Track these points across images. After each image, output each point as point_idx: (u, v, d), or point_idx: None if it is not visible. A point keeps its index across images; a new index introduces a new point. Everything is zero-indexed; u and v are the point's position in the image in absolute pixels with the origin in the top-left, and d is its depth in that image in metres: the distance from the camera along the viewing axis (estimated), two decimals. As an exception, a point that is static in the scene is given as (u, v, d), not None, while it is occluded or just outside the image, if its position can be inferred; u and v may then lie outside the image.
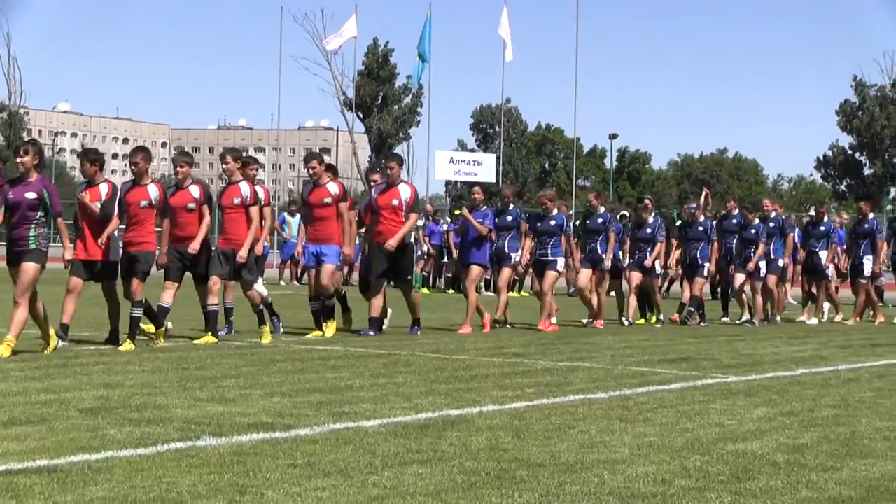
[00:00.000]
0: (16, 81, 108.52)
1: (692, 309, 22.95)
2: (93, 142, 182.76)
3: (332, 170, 18.49)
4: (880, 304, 27.39)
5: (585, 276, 21.73)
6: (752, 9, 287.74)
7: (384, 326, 18.75)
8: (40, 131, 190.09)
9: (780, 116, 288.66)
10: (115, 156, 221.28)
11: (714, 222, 23.53)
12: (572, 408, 10.65)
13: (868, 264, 24.63)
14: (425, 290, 31.71)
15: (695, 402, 11.28)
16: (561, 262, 20.74)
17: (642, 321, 22.80)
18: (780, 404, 11.23)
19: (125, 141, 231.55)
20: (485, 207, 20.40)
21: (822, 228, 25.12)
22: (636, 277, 22.42)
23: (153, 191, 15.68)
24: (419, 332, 18.54)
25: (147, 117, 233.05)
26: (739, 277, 23.36)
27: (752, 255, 23.25)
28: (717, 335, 20.11)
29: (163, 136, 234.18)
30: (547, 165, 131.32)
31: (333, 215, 17.84)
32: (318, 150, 25.41)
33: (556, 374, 13.38)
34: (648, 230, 22.43)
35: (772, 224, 23.92)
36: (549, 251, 20.55)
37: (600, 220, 21.70)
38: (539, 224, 20.80)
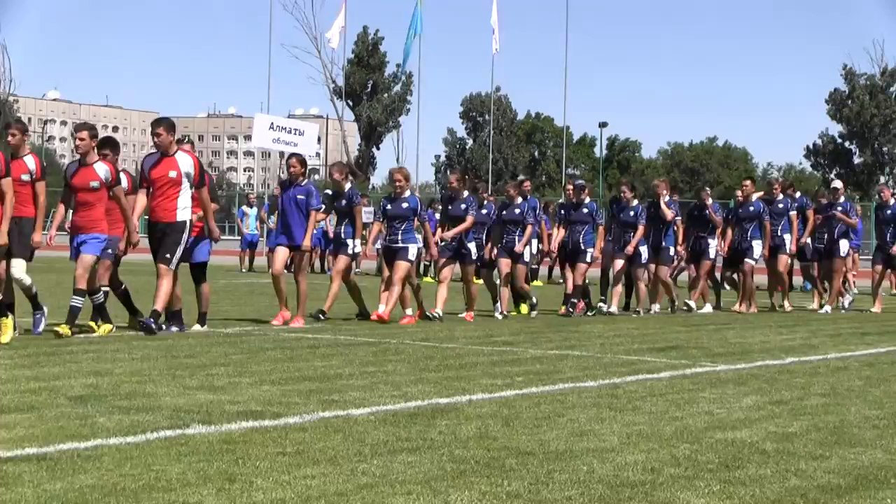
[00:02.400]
0: (5, 69, 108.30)
1: (574, 300, 21.75)
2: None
3: (111, 145, 16.01)
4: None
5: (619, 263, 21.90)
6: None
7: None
8: (30, 119, 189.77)
9: (769, 105, 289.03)
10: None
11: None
12: (562, 396, 10.66)
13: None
14: (428, 279, 31.39)
15: (684, 390, 11.29)
16: (414, 249, 19.07)
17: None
18: (770, 393, 11.24)
19: (114, 129, 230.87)
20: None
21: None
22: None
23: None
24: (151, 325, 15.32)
25: (136, 105, 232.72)
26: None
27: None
28: (707, 324, 20.12)
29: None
30: (536, 154, 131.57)
31: (101, 200, 15.09)
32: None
33: (545, 363, 13.39)
34: (631, 213, 21.91)
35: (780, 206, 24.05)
36: (399, 237, 18.92)
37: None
38: (389, 207, 19.06)
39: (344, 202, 19.00)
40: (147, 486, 6.64)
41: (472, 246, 20.01)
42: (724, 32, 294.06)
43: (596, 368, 12.96)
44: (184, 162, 15.43)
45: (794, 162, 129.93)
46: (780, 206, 24.19)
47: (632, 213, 21.88)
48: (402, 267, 18.64)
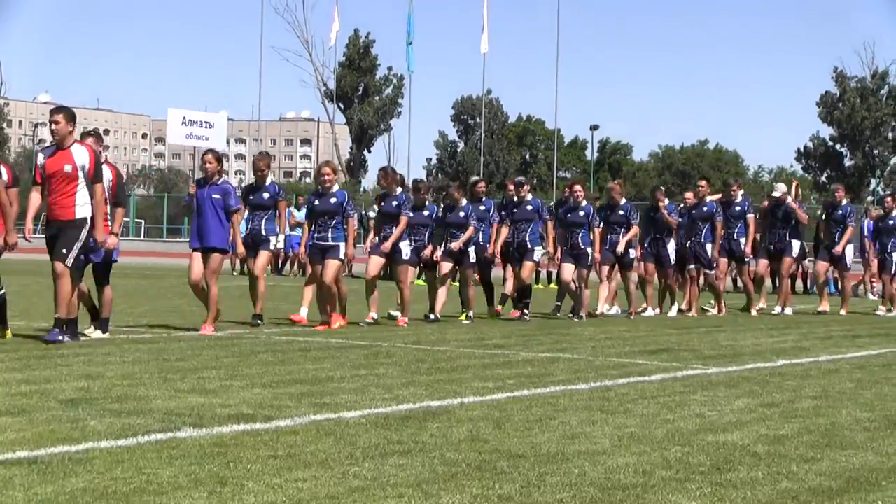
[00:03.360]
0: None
1: (528, 300, 21.25)
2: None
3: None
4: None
5: (568, 270, 21.25)
6: (734, 0, 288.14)
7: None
8: (20, 122, 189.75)
9: (760, 108, 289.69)
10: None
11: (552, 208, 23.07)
12: (553, 399, 10.66)
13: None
14: (419, 282, 31.09)
15: (675, 393, 11.30)
16: (342, 247, 17.72)
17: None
18: (761, 395, 11.25)
19: (105, 132, 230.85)
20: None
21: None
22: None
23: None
24: (63, 339, 14.45)
25: (127, 108, 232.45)
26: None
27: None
28: (698, 326, 20.14)
29: (143, 128, 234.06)
30: (528, 157, 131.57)
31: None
32: (299, 142, 24.26)
33: (536, 366, 13.39)
34: (581, 213, 21.20)
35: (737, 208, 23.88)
36: (328, 235, 17.79)
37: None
38: (317, 202, 17.96)
39: (266, 196, 18.43)
40: (138, 489, 6.64)
41: (404, 245, 19.16)
42: (716, 35, 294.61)
43: (587, 371, 12.96)
44: (79, 155, 14.62)
45: (785, 164, 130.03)
46: (738, 208, 23.91)
47: (581, 213, 21.14)
48: (332, 266, 17.67)
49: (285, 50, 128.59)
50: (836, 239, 24.46)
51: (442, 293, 20.20)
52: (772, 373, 13.27)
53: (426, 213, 19.76)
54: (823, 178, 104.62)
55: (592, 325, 19.87)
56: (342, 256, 17.84)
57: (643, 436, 8.80)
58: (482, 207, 21.08)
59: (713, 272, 23.44)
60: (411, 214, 19.21)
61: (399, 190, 19.44)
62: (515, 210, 21.32)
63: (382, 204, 19.51)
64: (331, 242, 17.74)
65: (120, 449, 7.73)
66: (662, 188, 24.39)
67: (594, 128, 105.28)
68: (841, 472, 7.66)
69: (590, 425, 9.22)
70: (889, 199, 25.25)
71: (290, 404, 9.87)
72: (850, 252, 24.98)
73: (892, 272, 24.81)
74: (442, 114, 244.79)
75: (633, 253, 22.44)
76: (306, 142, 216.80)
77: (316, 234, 17.87)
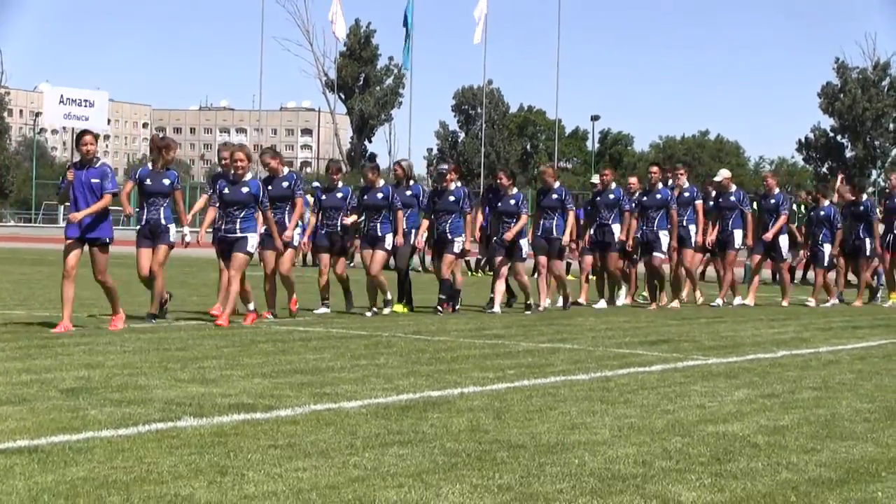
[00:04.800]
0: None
1: (443, 296, 19.78)
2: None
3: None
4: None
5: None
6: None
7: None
8: (21, 112, 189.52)
9: (761, 99, 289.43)
10: (95, 136, 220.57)
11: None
12: (553, 389, 10.66)
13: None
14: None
15: (675, 383, 11.30)
16: (254, 239, 16.47)
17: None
18: (761, 386, 11.25)
19: (106, 122, 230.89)
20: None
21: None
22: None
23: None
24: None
25: (128, 98, 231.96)
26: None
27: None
28: (698, 317, 20.12)
29: (144, 117, 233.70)
30: (529, 147, 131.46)
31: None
32: (300, 132, 23.32)
33: (537, 356, 13.39)
34: (511, 202, 20.26)
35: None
36: (237, 226, 16.45)
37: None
38: (226, 191, 16.58)
39: (166, 182, 16.70)
40: (138, 478, 6.64)
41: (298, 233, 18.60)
42: (717, 26, 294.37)
43: (587, 362, 12.97)
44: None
45: (786, 156, 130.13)
46: (686, 194, 23.04)
47: (511, 201, 20.22)
48: (239, 260, 16.41)
49: (286, 40, 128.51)
50: (770, 228, 23.80)
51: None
52: (772, 363, 13.27)
53: (339, 195, 19.06)
54: (824, 170, 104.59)
55: (593, 316, 19.86)
56: (250, 249, 16.52)
57: (643, 426, 8.81)
58: (409, 192, 20.14)
59: (662, 257, 22.40)
60: (401, 206, 19.13)
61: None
62: (437, 200, 20.08)
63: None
64: (239, 234, 16.43)
65: (120, 438, 7.73)
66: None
67: (595, 118, 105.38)
68: (841, 463, 7.66)
69: (590, 415, 9.22)
70: (805, 193, 24.96)
71: (290, 394, 9.88)
72: (784, 242, 24.20)
73: (825, 264, 24.57)
74: (443, 104, 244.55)
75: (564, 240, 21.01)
76: (307, 132, 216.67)
77: (224, 225, 16.53)
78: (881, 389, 11.32)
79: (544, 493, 6.62)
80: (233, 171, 16.68)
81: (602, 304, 22.26)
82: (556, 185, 21.05)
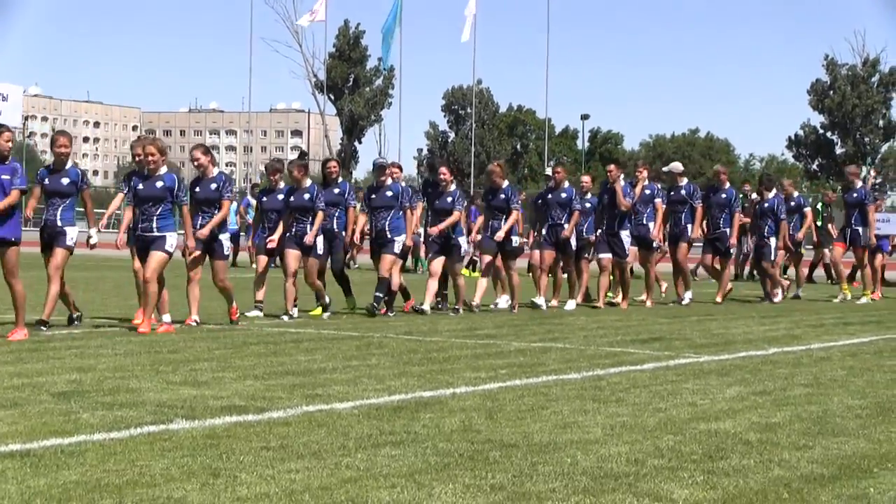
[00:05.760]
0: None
1: (379, 294, 19.09)
2: (63, 125, 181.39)
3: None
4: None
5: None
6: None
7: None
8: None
9: (751, 96, 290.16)
10: (85, 139, 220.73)
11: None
12: (545, 388, 10.67)
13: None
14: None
15: (667, 381, 11.31)
16: (172, 238, 15.62)
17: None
18: (753, 383, 11.26)
19: (96, 124, 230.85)
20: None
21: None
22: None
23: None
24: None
25: (118, 100, 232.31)
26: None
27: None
28: (690, 315, 20.14)
29: (133, 120, 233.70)
30: (519, 147, 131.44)
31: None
32: (289, 133, 23.00)
33: (528, 355, 13.40)
34: (448, 199, 19.92)
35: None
36: (153, 225, 15.51)
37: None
38: (140, 187, 15.73)
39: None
40: (131, 481, 6.64)
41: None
42: (706, 23, 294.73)
43: (579, 360, 12.97)
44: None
45: (776, 153, 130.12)
46: (647, 192, 22.68)
47: (448, 199, 19.87)
48: (156, 260, 15.47)
49: (275, 41, 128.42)
50: (722, 224, 23.52)
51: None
52: (763, 361, 13.28)
53: (280, 196, 18.42)
54: (814, 167, 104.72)
55: (584, 315, 19.87)
56: (168, 248, 15.57)
57: (635, 424, 8.81)
58: (336, 191, 19.39)
59: (624, 260, 22.07)
60: (324, 207, 18.42)
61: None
62: (374, 196, 19.62)
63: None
64: (156, 233, 15.54)
65: (112, 441, 7.73)
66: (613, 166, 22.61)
67: (585, 117, 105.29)
68: (833, 460, 7.67)
69: (582, 414, 9.23)
70: (749, 187, 24.73)
71: (282, 396, 9.88)
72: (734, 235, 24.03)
73: (773, 258, 24.26)
74: (433, 104, 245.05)
75: (515, 241, 20.71)
76: (297, 133, 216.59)
77: (140, 224, 15.62)
78: (872, 386, 11.34)
79: (537, 493, 6.62)
80: (145, 166, 15.79)
81: (541, 300, 21.25)
82: (505, 184, 20.61)
